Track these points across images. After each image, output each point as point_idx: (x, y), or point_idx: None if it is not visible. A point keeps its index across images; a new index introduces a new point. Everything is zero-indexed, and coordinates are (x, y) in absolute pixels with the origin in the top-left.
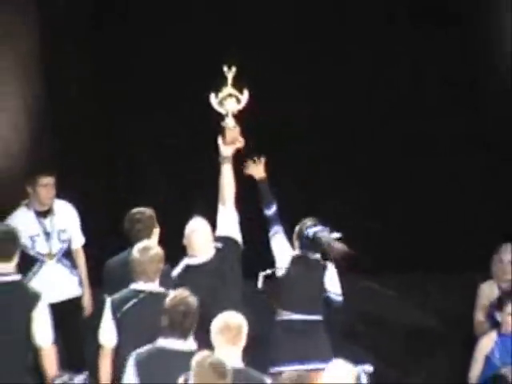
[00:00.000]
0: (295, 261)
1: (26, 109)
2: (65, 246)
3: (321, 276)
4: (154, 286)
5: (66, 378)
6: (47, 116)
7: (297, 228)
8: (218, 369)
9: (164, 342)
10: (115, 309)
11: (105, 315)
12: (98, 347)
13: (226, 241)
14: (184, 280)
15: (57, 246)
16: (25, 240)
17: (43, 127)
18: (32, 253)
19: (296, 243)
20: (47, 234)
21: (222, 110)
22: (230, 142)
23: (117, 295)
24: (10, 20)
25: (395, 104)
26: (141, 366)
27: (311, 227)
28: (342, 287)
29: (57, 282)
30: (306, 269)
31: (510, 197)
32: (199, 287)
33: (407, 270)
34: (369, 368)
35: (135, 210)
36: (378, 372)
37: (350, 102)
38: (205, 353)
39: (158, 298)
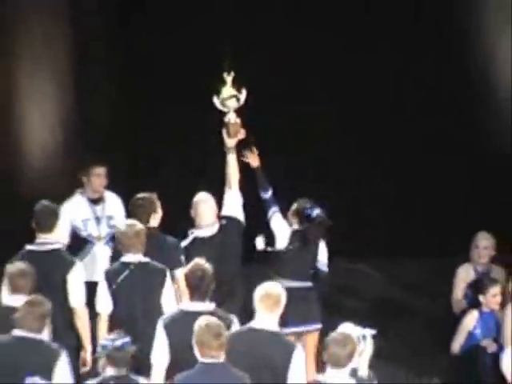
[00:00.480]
0: (295, 235)
1: (61, 107)
2: (112, 230)
3: (316, 249)
4: (142, 257)
5: (111, 340)
6: (80, 113)
7: (294, 207)
8: (214, 330)
9: (186, 305)
10: (110, 280)
11: (100, 286)
12: (95, 315)
13: (230, 219)
14: (191, 250)
15: (105, 230)
16: (78, 223)
17: (80, 121)
18: (84, 234)
19: (294, 220)
20: (97, 219)
21: (224, 109)
22: (233, 135)
23: (110, 268)
24: (44, 23)
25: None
26: (168, 327)
27: (312, 208)
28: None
29: (104, 262)
30: (305, 242)
31: (488, 190)
32: (204, 257)
33: (396, 254)
34: (371, 331)
35: (138, 196)
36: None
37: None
38: (206, 316)
39: (146, 267)
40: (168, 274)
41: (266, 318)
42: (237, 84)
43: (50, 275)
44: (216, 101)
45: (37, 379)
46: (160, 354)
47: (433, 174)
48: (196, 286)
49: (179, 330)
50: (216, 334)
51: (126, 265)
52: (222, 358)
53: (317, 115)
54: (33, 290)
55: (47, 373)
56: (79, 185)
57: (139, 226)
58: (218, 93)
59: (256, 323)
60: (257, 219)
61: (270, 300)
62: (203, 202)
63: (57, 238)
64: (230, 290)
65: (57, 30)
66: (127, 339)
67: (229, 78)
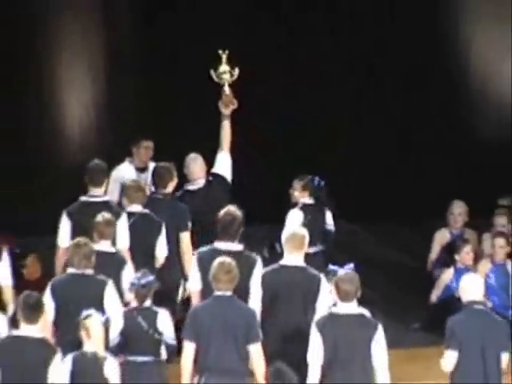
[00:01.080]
0: (306, 209)
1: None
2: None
3: (324, 214)
4: (143, 209)
5: (137, 278)
6: (110, 98)
7: (300, 184)
8: (225, 267)
9: (218, 244)
10: None
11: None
12: None
13: (217, 176)
14: (182, 201)
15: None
16: None
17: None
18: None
19: (304, 194)
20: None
21: (220, 82)
22: (227, 105)
23: None
24: (82, 23)
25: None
26: (201, 261)
27: (317, 179)
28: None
29: None
30: (317, 212)
31: (465, 160)
32: (192, 207)
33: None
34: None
35: (159, 165)
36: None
37: None
38: (223, 256)
39: (146, 217)
40: (163, 225)
41: (294, 256)
42: (231, 62)
43: None
44: (213, 74)
45: (92, 311)
46: (194, 281)
47: (419, 152)
48: (225, 229)
49: (209, 266)
50: (226, 271)
51: (130, 214)
52: (230, 291)
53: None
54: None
55: (99, 302)
56: (129, 154)
57: (142, 182)
58: (215, 69)
59: (285, 261)
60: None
61: (296, 240)
62: (193, 160)
63: (105, 192)
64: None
65: (92, 28)
66: (151, 277)
67: (224, 56)
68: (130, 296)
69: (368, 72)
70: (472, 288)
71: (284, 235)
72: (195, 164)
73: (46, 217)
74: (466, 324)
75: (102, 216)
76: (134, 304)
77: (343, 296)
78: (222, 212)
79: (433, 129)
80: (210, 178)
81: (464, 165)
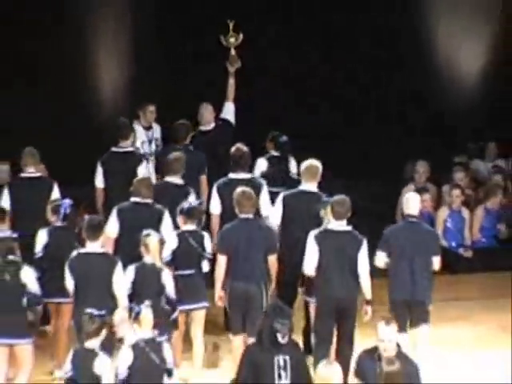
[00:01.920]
0: (272, 159)
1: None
2: (159, 148)
3: (287, 163)
4: (179, 180)
5: (188, 202)
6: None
7: (270, 136)
8: (247, 194)
9: (232, 175)
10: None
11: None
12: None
13: (224, 120)
14: (194, 141)
15: (153, 148)
16: (138, 144)
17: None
18: (142, 152)
19: (271, 146)
20: (150, 141)
21: (227, 45)
22: (233, 64)
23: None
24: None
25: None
26: (219, 190)
27: (282, 135)
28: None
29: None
30: (282, 161)
31: (428, 127)
32: (204, 144)
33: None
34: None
35: (178, 122)
36: None
37: None
38: (242, 186)
39: (177, 186)
40: (192, 190)
41: (310, 183)
42: (236, 29)
43: (128, 168)
44: (222, 39)
45: (151, 231)
46: (214, 206)
47: (393, 125)
48: (237, 162)
49: (228, 191)
50: (248, 197)
51: (168, 183)
52: (252, 214)
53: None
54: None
55: (156, 225)
56: (136, 117)
57: (180, 154)
58: (224, 35)
59: (303, 187)
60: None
61: (312, 169)
62: (204, 108)
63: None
64: (219, 169)
65: (123, 18)
66: (199, 201)
67: (231, 24)
68: (180, 220)
69: (341, 62)
70: (410, 204)
71: (302, 166)
72: (206, 110)
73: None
74: (399, 232)
75: (174, 155)
76: (184, 227)
77: (336, 216)
78: (233, 148)
79: (406, 104)
80: (219, 122)
81: (427, 131)
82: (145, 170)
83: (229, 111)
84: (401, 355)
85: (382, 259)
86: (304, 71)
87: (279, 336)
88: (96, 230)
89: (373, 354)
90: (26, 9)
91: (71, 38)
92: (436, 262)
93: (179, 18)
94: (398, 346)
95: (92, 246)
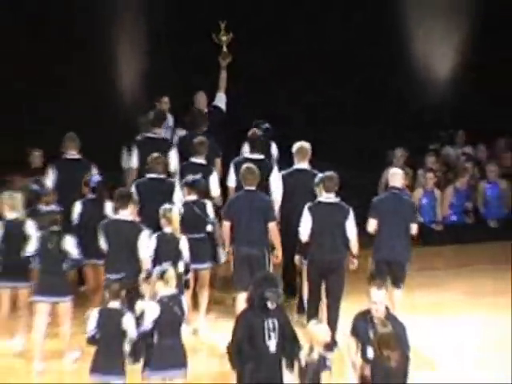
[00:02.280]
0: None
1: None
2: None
3: (269, 146)
4: (203, 160)
5: (191, 176)
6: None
7: (254, 123)
8: (251, 170)
9: (247, 155)
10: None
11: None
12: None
13: (216, 107)
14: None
15: (169, 134)
16: None
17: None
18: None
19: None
20: (165, 129)
21: (219, 43)
22: (225, 59)
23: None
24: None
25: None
26: (236, 167)
27: (264, 123)
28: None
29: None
30: (265, 144)
31: (406, 119)
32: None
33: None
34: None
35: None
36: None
37: None
38: (249, 163)
39: (201, 166)
40: (214, 169)
41: (302, 162)
42: (227, 29)
43: (161, 152)
44: (214, 37)
45: (172, 205)
46: (231, 180)
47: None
48: (253, 144)
49: (246, 175)
50: (251, 172)
51: (194, 163)
52: (254, 186)
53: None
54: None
55: (169, 196)
56: (153, 107)
57: (204, 138)
58: (216, 34)
59: (297, 166)
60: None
61: (303, 150)
62: (200, 95)
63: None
64: (215, 153)
65: (136, 24)
66: (198, 177)
67: (222, 25)
68: (184, 192)
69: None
70: (394, 177)
71: (294, 147)
72: (201, 97)
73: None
74: (384, 201)
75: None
76: (187, 198)
77: (326, 189)
78: (250, 132)
79: (389, 101)
80: (211, 108)
81: (407, 125)
82: (175, 155)
83: (220, 100)
84: (390, 316)
85: (372, 225)
86: (294, 73)
87: (269, 303)
88: (125, 200)
89: (366, 315)
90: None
91: (99, 50)
92: (414, 228)
93: (183, 25)
94: (387, 308)
95: (122, 214)
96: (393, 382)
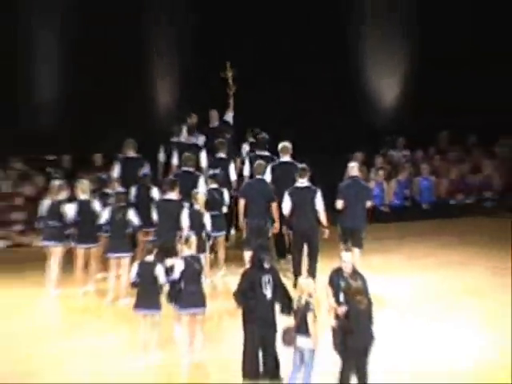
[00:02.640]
0: (252, 143)
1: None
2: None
3: (262, 148)
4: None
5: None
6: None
7: (250, 129)
8: (260, 165)
9: (258, 152)
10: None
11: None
12: None
13: (226, 122)
14: (206, 132)
15: (195, 139)
16: (183, 138)
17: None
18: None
19: (249, 135)
20: (194, 135)
21: (225, 77)
22: (231, 89)
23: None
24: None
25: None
26: (251, 162)
27: (259, 131)
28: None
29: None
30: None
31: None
32: (211, 135)
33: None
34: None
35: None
36: None
37: None
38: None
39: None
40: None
41: (286, 156)
42: (231, 67)
43: (194, 154)
44: (222, 74)
45: (199, 189)
46: (246, 170)
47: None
48: (261, 144)
49: (278, 169)
50: (260, 165)
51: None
52: (262, 176)
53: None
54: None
55: (196, 184)
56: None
57: (224, 140)
58: (223, 71)
59: (282, 159)
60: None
61: (286, 147)
62: (213, 112)
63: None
64: (234, 152)
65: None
66: (218, 171)
67: (228, 64)
68: (209, 182)
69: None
70: (353, 169)
71: (279, 146)
72: (214, 113)
73: None
74: (347, 186)
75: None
76: (211, 186)
77: (300, 177)
78: (260, 136)
79: (349, 117)
80: (222, 122)
81: (361, 137)
82: (204, 155)
83: (229, 117)
84: (355, 272)
85: (339, 204)
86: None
87: (265, 264)
88: (171, 185)
89: (338, 271)
90: None
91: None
92: (368, 204)
93: (203, 60)
94: (353, 266)
95: (169, 195)
96: (362, 319)
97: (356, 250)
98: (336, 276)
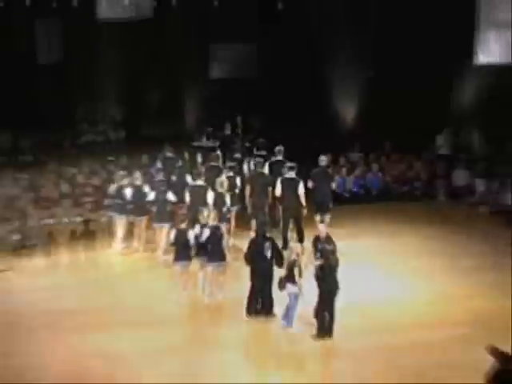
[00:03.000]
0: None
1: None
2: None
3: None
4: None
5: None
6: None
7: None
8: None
9: (258, 153)
10: None
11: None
12: None
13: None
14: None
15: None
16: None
17: None
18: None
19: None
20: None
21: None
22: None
23: None
24: None
25: None
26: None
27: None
28: None
29: None
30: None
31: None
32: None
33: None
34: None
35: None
36: None
37: None
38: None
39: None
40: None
41: (279, 156)
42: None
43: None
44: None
45: (222, 177)
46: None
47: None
48: (277, 152)
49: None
50: (260, 163)
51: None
52: (264, 171)
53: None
54: None
55: (220, 173)
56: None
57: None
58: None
59: (276, 158)
60: None
61: (279, 150)
62: (226, 123)
63: None
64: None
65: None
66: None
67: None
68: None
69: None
70: (321, 161)
71: (275, 149)
72: (228, 125)
73: None
74: (317, 172)
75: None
76: (229, 175)
77: (289, 170)
78: (260, 141)
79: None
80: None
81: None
82: (220, 154)
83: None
84: (329, 238)
85: (310, 184)
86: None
87: (266, 249)
88: (200, 174)
89: (317, 237)
90: None
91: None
92: (333, 185)
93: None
94: (327, 233)
95: (197, 182)
96: (332, 271)
97: (326, 216)
98: (316, 241)
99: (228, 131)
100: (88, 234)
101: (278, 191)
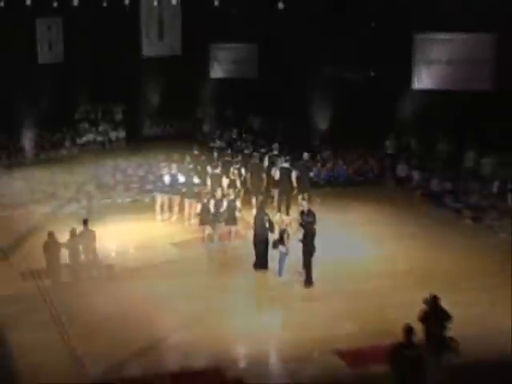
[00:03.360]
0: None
1: None
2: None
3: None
4: None
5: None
6: None
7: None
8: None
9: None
10: None
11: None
12: None
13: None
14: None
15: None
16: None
17: None
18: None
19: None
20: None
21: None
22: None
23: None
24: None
25: None
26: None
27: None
28: None
29: None
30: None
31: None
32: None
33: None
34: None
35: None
36: None
37: None
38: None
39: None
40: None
41: (276, 150)
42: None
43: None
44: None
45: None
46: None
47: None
48: (281, 149)
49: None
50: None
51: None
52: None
53: None
54: None
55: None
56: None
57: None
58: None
59: (274, 152)
60: None
61: (277, 146)
62: (235, 128)
63: None
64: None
65: None
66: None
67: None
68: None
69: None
70: (304, 156)
71: (273, 146)
72: (235, 130)
73: None
74: (299, 164)
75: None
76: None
77: (284, 162)
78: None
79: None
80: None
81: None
82: (230, 152)
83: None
84: (310, 211)
85: (294, 174)
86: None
87: (265, 220)
88: (217, 167)
89: (302, 211)
90: None
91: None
92: (310, 174)
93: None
94: (309, 208)
95: (214, 171)
96: (311, 237)
97: (305, 195)
98: (301, 214)
99: (234, 135)
100: (136, 210)
101: (277, 176)
